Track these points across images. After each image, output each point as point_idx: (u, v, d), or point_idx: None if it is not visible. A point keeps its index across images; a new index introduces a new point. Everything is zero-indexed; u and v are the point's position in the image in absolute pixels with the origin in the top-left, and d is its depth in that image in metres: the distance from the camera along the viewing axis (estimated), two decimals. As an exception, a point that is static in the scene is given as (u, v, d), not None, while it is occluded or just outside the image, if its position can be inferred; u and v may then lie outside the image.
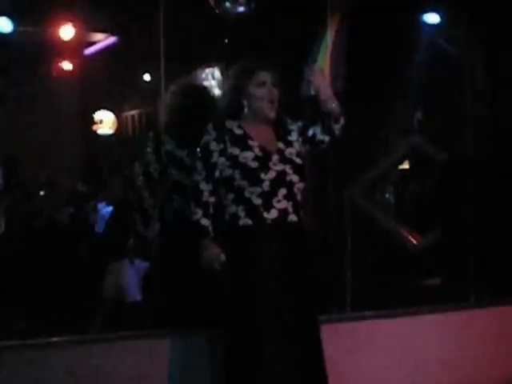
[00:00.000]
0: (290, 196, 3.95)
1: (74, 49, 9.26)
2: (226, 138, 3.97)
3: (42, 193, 8.45)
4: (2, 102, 9.44)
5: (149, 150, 4.54)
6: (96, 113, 10.29)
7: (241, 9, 6.33)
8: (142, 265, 6.53)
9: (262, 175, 3.91)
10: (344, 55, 7.76)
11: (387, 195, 8.25)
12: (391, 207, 8.01)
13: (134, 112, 10.49)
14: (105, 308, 6.72)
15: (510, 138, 7.26)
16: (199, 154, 4.02)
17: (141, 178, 4.57)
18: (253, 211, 3.89)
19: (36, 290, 6.81)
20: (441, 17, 7.84)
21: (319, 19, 7.28)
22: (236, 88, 4.06)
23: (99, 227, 7.65)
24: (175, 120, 4.55)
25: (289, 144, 4.09)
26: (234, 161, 3.93)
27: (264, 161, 3.94)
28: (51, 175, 8.92)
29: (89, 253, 7.42)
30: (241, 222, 3.89)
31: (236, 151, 3.94)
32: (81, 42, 9.38)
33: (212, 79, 8.62)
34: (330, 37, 7.25)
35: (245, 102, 4.04)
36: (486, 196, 5.98)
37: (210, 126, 4.02)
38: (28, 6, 7.97)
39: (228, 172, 3.93)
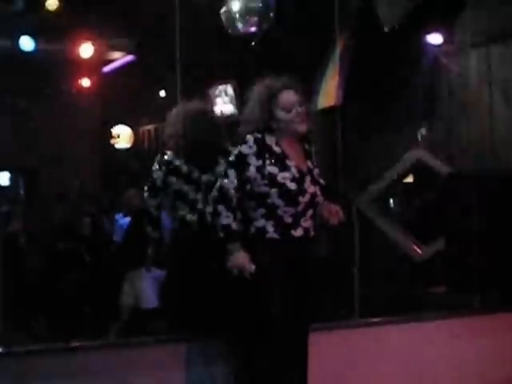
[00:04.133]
0: (313, 215, 3.95)
1: (93, 66, 9.27)
2: (266, 155, 3.86)
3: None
4: (25, 117, 9.45)
5: (155, 162, 4.67)
6: (114, 127, 10.26)
7: (252, 29, 6.31)
8: (158, 273, 6.46)
9: (300, 198, 3.86)
10: (347, 71, 7.76)
11: (393, 207, 8.20)
12: (397, 218, 7.94)
13: (150, 127, 10.45)
14: (123, 315, 6.67)
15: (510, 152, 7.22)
16: (233, 162, 3.88)
17: (147, 183, 4.69)
18: (282, 228, 3.84)
19: (56, 297, 6.77)
20: (443, 37, 7.79)
21: (328, 39, 7.27)
22: (262, 110, 3.91)
23: (117, 237, 7.60)
24: (177, 139, 4.63)
25: (314, 164, 4.05)
26: (271, 180, 3.83)
27: (301, 183, 3.88)
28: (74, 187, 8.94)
29: (108, 262, 7.37)
30: (268, 236, 3.84)
31: (275, 170, 3.84)
32: (100, 60, 9.39)
33: (225, 96, 8.60)
34: (338, 54, 7.24)
35: (274, 125, 3.91)
36: (489, 205, 5.91)
37: (250, 138, 3.88)
38: (49, 26, 7.97)
39: (264, 189, 3.83)
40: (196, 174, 4.57)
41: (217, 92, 8.63)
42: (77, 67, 9.06)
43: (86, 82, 9.78)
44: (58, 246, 7.42)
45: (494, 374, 5.53)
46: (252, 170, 3.83)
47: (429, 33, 7.79)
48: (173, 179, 4.59)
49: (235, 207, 3.83)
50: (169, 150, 4.68)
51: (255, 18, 6.29)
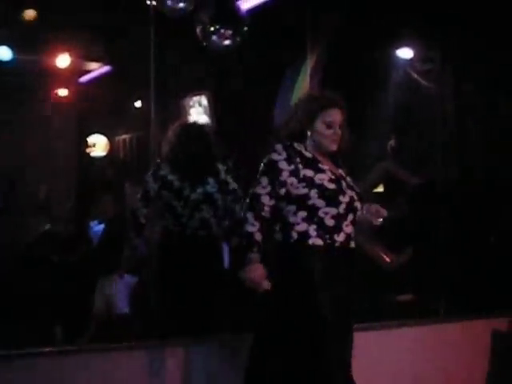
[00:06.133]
0: (353, 222, 3.86)
1: (69, 76, 9.24)
2: (297, 159, 3.81)
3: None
4: (1, 127, 9.37)
5: (149, 173, 4.91)
6: (90, 137, 10.23)
7: (227, 42, 6.35)
8: (131, 279, 6.46)
9: (341, 197, 3.78)
10: (320, 85, 7.77)
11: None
12: (366, 227, 7.96)
13: (125, 136, 10.41)
14: (95, 321, 6.64)
15: (476, 163, 7.29)
16: (264, 169, 3.80)
17: (140, 192, 4.88)
18: (324, 232, 3.75)
19: (29, 303, 6.73)
20: (413, 52, 7.85)
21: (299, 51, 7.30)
22: (304, 117, 3.90)
23: (91, 243, 7.56)
24: (175, 155, 4.87)
25: (346, 173, 4.01)
26: (309, 182, 3.75)
27: (339, 183, 3.83)
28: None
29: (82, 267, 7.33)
30: (310, 242, 3.73)
31: (310, 173, 3.78)
32: (76, 70, 9.36)
33: (199, 106, 8.60)
34: (308, 68, 7.26)
35: (309, 133, 3.89)
36: (456, 216, 5.97)
37: (278, 147, 3.82)
38: (26, 36, 7.95)
39: (303, 191, 3.75)
40: (187, 192, 4.78)
41: (191, 103, 8.64)
42: (53, 77, 9.02)
43: (62, 92, 9.75)
44: (32, 252, 7.39)
45: (459, 380, 5.58)
46: (285, 175, 3.76)
47: (400, 48, 7.85)
48: (165, 192, 4.81)
49: (265, 217, 3.72)
50: (162, 158, 4.92)
51: (229, 31, 6.33)
